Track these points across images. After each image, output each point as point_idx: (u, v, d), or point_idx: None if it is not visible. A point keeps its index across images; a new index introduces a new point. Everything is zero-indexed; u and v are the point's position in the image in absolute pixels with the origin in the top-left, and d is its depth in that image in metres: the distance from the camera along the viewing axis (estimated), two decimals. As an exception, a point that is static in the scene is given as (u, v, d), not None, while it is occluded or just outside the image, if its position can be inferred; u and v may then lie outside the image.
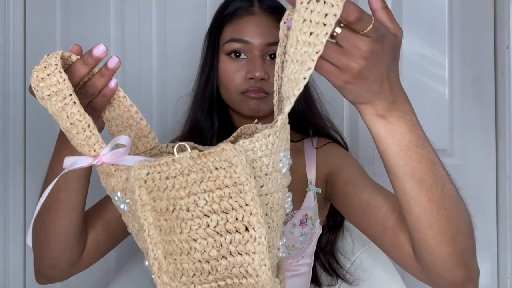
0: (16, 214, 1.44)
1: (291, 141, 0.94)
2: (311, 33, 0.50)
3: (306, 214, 0.90)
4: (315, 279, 0.99)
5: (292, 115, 0.93)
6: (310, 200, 0.92)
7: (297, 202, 0.91)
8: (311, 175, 0.94)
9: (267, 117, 0.94)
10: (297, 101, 0.91)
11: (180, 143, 0.57)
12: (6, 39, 1.40)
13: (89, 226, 0.83)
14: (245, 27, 0.89)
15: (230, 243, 0.52)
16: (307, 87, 0.96)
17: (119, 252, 1.46)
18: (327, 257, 1.00)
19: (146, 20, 1.42)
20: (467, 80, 1.34)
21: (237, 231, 0.51)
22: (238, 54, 0.89)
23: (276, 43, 0.78)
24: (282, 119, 0.56)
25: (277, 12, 0.89)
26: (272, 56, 0.89)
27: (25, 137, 1.46)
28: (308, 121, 0.98)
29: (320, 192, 0.93)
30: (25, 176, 1.46)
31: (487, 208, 1.34)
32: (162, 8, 1.43)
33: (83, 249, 0.81)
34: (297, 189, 0.92)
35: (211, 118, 0.95)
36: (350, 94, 0.55)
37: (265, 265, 0.51)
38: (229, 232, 0.51)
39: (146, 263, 0.56)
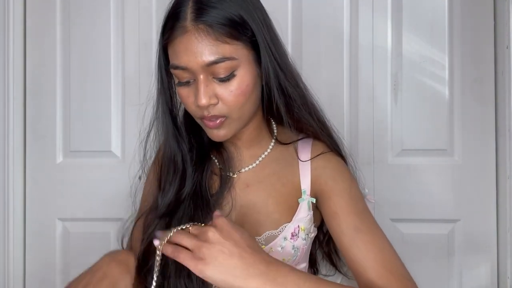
0: (16, 214, 1.44)
1: (281, 143, 0.90)
2: None
3: (298, 226, 0.86)
4: (312, 264, 0.98)
5: (270, 106, 0.85)
6: (304, 211, 0.87)
7: (288, 214, 0.86)
8: (305, 184, 0.87)
9: (241, 136, 0.88)
10: (277, 91, 0.83)
11: None
12: (6, 39, 1.40)
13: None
14: (179, 50, 0.76)
15: None
16: (294, 82, 0.86)
17: (119, 252, 1.46)
18: (327, 249, 0.99)
19: (146, 20, 1.42)
20: (467, 80, 1.34)
21: None
22: (185, 81, 0.79)
23: (219, 61, 0.75)
24: None
25: (220, 25, 0.76)
26: (220, 79, 0.77)
27: (25, 137, 1.46)
28: (294, 115, 0.88)
29: (315, 202, 0.87)
30: (25, 176, 1.46)
31: (487, 208, 1.34)
32: (162, 9, 1.42)
33: None
34: (288, 199, 0.87)
35: (175, 138, 0.87)
36: (216, 277, 0.65)
37: None
38: None
39: None
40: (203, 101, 0.76)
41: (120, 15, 1.43)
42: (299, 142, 0.91)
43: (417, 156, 1.37)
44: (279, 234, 0.85)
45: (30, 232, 1.46)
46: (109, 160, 1.43)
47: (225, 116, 0.79)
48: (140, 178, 1.44)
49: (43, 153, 1.45)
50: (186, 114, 0.89)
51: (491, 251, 1.34)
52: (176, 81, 0.81)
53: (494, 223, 1.34)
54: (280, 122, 0.92)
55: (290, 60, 0.88)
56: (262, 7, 0.85)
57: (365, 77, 1.37)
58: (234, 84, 0.77)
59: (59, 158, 1.45)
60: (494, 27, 1.34)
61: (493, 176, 1.34)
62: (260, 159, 0.90)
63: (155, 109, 0.88)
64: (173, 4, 0.81)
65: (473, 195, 1.35)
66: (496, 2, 1.33)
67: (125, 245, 0.95)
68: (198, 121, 0.83)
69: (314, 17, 1.39)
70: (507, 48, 1.26)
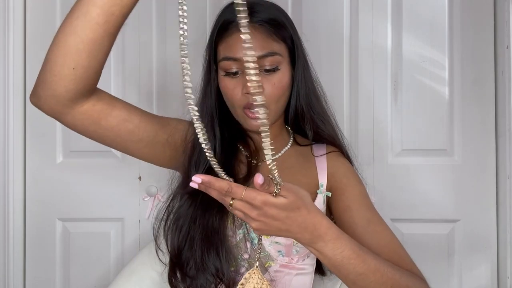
0: (16, 213, 1.44)
1: (298, 145, 0.99)
2: None
3: None
4: (319, 269, 1.02)
5: (296, 116, 0.97)
6: (319, 203, 0.92)
7: None
8: (323, 178, 0.94)
9: (270, 127, 0.95)
10: (299, 102, 0.95)
11: None
12: (6, 39, 1.40)
13: (119, 101, 0.87)
14: (235, 44, 0.87)
15: None
16: (314, 90, 0.97)
17: (119, 252, 1.47)
18: None
19: (146, 20, 1.42)
20: (467, 80, 1.34)
21: None
22: (234, 71, 0.88)
23: (268, 55, 0.86)
24: None
25: (269, 24, 0.88)
26: (266, 70, 0.87)
27: (25, 137, 1.46)
28: (313, 124, 0.99)
29: (330, 196, 0.93)
30: (25, 176, 1.46)
31: (487, 208, 1.34)
32: (162, 9, 1.43)
33: (90, 92, 0.81)
34: (307, 189, 0.91)
35: (213, 129, 0.95)
36: (266, 232, 0.71)
37: None
38: None
39: None
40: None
41: (120, 15, 1.43)
42: (314, 146, 1.00)
43: (417, 156, 1.37)
44: None
45: (30, 232, 1.46)
46: (109, 160, 1.43)
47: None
48: (140, 178, 1.44)
49: (43, 153, 1.46)
50: (220, 110, 0.97)
51: (491, 251, 1.34)
52: (223, 73, 0.89)
53: (494, 223, 1.34)
54: (295, 131, 1.02)
55: (316, 78, 0.99)
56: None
57: (365, 77, 1.37)
58: (276, 78, 0.88)
59: (59, 158, 1.45)
60: (494, 27, 1.34)
61: (493, 176, 1.34)
62: (282, 151, 0.98)
63: (199, 96, 0.97)
64: (225, 9, 0.91)
65: (473, 195, 1.35)
66: (496, 2, 1.33)
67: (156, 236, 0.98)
68: (239, 111, 0.90)
69: (314, 17, 1.39)
70: (507, 48, 1.26)
